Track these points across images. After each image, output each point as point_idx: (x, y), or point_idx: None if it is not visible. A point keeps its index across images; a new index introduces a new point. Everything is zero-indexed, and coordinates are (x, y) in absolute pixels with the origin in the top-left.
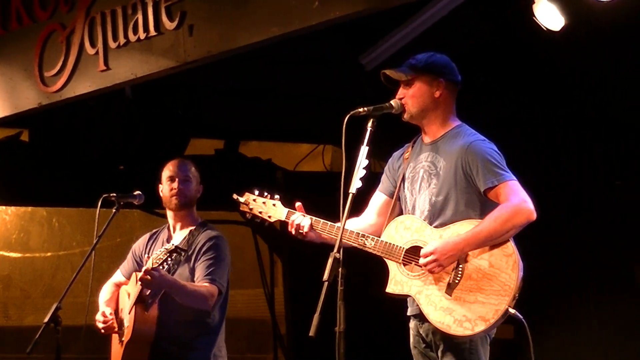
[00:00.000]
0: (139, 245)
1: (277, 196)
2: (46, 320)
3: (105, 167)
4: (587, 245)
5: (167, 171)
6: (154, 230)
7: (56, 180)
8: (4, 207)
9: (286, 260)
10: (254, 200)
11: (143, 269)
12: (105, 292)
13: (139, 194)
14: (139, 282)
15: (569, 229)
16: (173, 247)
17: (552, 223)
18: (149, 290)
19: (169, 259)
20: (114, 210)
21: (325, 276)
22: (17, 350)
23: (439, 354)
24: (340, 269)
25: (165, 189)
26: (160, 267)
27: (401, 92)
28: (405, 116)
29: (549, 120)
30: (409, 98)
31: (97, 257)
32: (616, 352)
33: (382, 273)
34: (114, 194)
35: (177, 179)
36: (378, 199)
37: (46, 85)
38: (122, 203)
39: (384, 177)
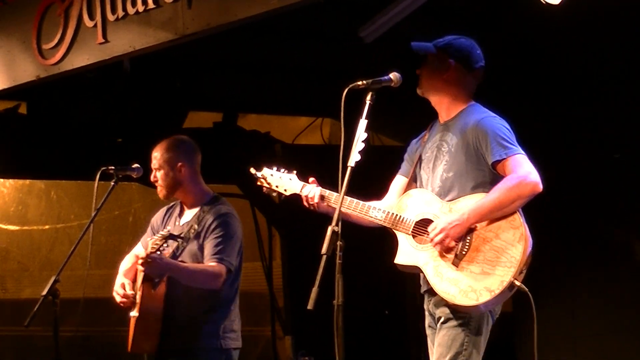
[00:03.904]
0: (156, 218)
1: (294, 171)
2: (44, 293)
3: (104, 140)
4: (586, 217)
5: None
6: (171, 204)
7: (54, 153)
8: (1, 180)
9: (284, 234)
10: (271, 175)
11: (142, 254)
12: (126, 262)
13: (137, 166)
14: (140, 266)
15: (568, 202)
16: (168, 233)
17: (551, 196)
18: None
19: (165, 244)
20: (112, 183)
21: (324, 249)
22: (15, 323)
23: (438, 326)
24: (338, 242)
25: None
26: (158, 252)
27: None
28: (418, 91)
29: (547, 95)
30: (423, 75)
31: (96, 229)
32: (613, 324)
33: (383, 247)
34: (112, 167)
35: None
36: (398, 182)
37: (44, 57)
38: (120, 176)
39: (404, 162)
